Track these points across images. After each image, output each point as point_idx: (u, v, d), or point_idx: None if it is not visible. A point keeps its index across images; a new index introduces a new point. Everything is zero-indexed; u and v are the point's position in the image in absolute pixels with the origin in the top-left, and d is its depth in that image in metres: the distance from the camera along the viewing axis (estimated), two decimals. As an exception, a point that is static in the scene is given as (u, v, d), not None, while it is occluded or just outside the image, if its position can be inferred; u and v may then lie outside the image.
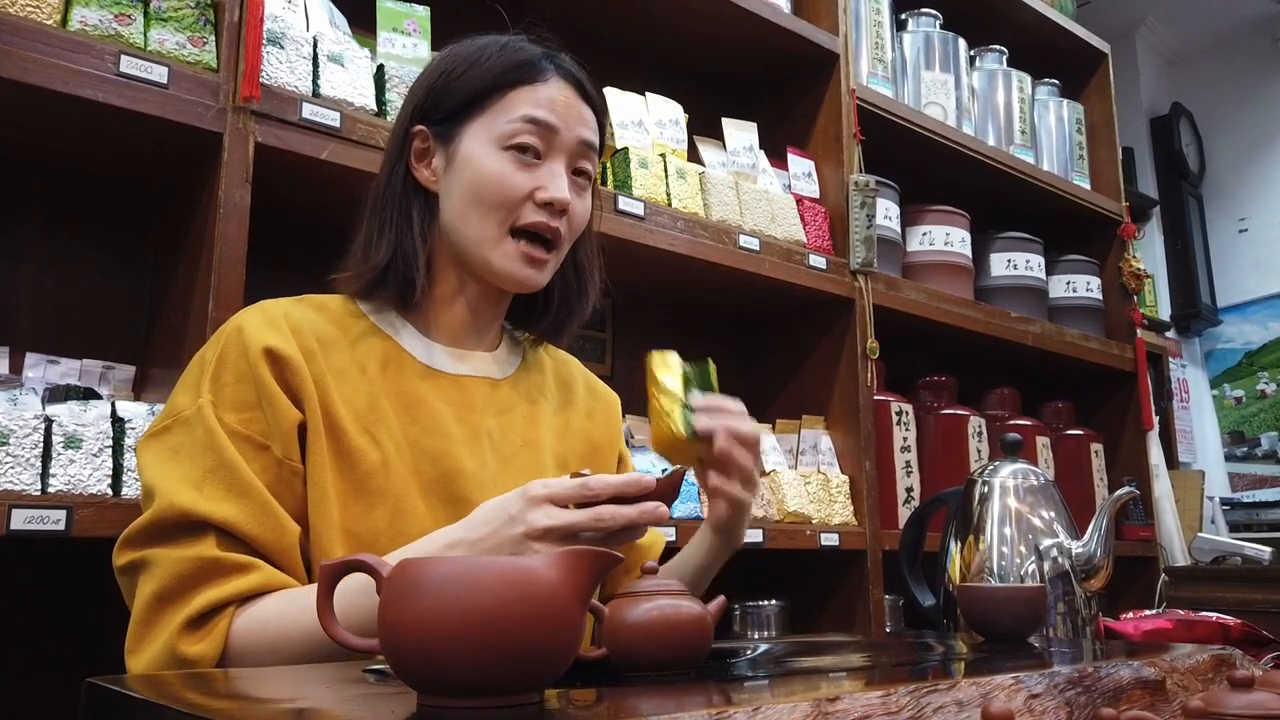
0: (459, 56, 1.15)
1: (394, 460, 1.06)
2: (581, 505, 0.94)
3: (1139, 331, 3.13)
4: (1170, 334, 4.49)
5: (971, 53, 2.90)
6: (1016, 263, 2.90)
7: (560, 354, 1.34)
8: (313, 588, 0.95)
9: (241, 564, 0.96)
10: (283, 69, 1.48)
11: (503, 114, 1.11)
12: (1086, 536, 1.46)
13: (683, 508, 1.86)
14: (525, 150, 1.10)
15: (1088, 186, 3.11)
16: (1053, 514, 1.50)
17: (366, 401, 1.07)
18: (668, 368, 1.08)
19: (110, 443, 1.27)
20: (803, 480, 2.11)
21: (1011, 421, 2.80)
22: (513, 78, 1.12)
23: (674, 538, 1.69)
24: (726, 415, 1.08)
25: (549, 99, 1.12)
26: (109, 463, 1.26)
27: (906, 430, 2.43)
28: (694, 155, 2.14)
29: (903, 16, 2.77)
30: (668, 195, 1.96)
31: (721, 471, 1.10)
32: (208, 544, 0.95)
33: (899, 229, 2.57)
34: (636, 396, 2.01)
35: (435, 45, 1.66)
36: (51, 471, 1.22)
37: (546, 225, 1.11)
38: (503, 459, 1.14)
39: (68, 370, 1.45)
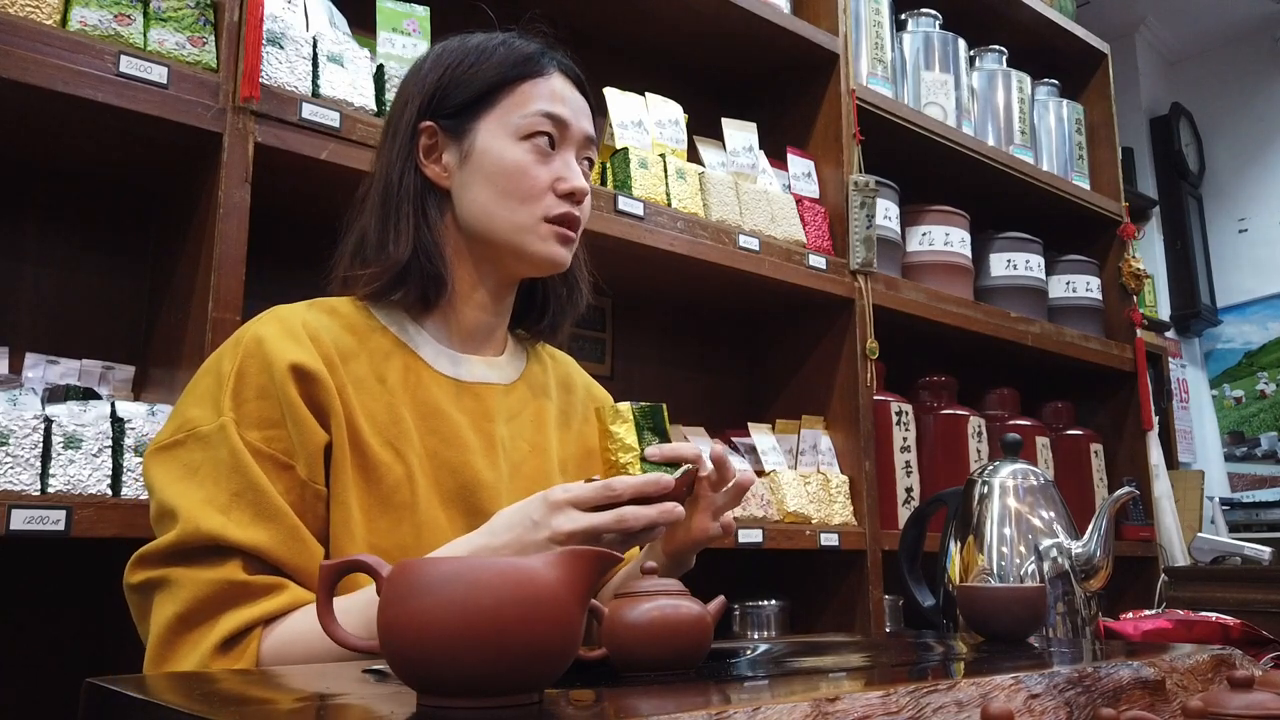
0: (461, 52, 1.15)
1: (418, 474, 1.06)
2: (602, 507, 0.95)
3: (1139, 331, 3.13)
4: (1170, 334, 4.48)
5: (971, 53, 2.90)
6: (1016, 263, 2.90)
7: (559, 354, 1.35)
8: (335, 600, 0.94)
9: (269, 585, 0.95)
10: (282, 69, 1.48)
11: (516, 108, 1.12)
12: (1086, 536, 1.46)
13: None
14: (543, 140, 1.12)
15: (1087, 186, 3.11)
16: (1053, 514, 1.50)
17: (388, 413, 1.07)
18: (620, 418, 1.05)
19: (110, 443, 1.27)
20: (802, 480, 2.11)
21: (1011, 421, 2.80)
22: (520, 72, 1.13)
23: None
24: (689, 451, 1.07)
25: (555, 92, 1.14)
26: (109, 463, 1.26)
27: (906, 430, 2.43)
28: (694, 155, 2.14)
29: (902, 16, 2.77)
30: (667, 195, 1.96)
31: (704, 502, 1.09)
32: (233, 567, 0.94)
33: (899, 229, 2.57)
34: (636, 396, 2.00)
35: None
36: (51, 471, 1.22)
37: (571, 215, 1.13)
38: (513, 466, 1.15)
39: (67, 370, 1.45)
